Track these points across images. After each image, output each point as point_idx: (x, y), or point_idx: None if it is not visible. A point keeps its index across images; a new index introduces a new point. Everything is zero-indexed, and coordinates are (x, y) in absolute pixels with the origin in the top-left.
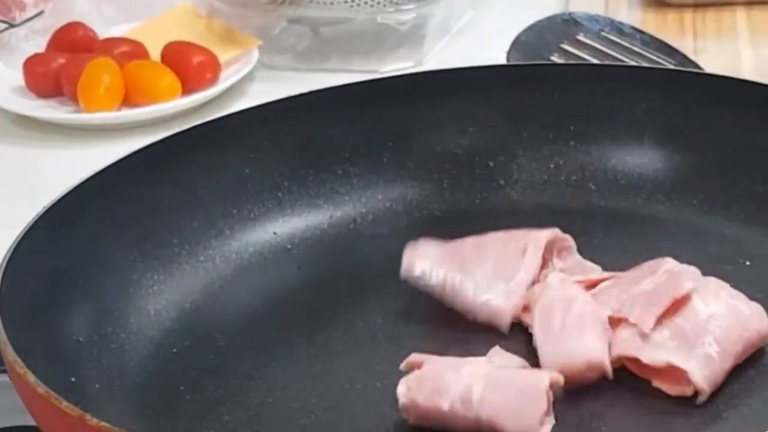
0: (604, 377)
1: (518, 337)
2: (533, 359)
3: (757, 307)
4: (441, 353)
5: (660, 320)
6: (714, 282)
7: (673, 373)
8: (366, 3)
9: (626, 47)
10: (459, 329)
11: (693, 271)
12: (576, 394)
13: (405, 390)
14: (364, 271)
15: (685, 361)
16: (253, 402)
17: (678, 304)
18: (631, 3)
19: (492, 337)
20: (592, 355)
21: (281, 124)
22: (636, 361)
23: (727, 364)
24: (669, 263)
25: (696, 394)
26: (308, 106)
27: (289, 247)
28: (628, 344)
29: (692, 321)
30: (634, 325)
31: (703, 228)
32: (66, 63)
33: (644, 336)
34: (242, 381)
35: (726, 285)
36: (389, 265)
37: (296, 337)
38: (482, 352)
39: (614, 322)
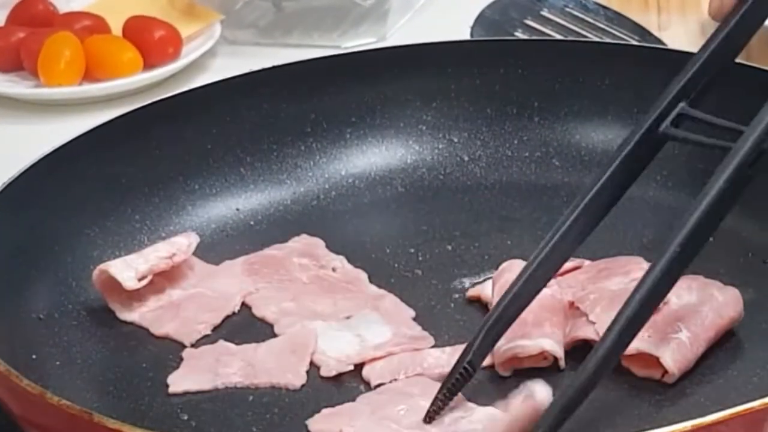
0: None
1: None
2: None
3: (732, 292)
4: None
5: None
6: (690, 277)
7: (644, 356)
8: None
9: (590, 23)
10: (421, 305)
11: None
12: (539, 368)
13: None
14: (327, 248)
15: (655, 347)
16: None
17: None
18: None
19: (450, 314)
20: (547, 344)
21: (243, 100)
22: None
23: (700, 349)
24: (643, 269)
25: (664, 373)
26: (271, 81)
27: (252, 223)
28: (590, 329)
29: (663, 313)
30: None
31: (666, 204)
32: (26, 37)
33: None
34: None
35: (703, 279)
36: (352, 242)
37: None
38: (441, 332)
39: (573, 308)
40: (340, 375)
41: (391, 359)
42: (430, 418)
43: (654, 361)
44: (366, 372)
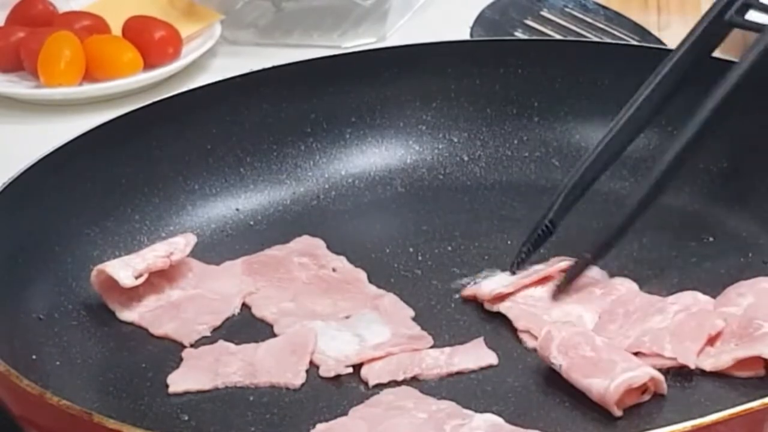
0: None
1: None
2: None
3: None
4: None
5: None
6: (731, 288)
7: (741, 362)
8: None
9: (590, 23)
10: (420, 305)
11: (711, 303)
12: None
13: None
14: (327, 248)
15: (750, 349)
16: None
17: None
18: None
19: (450, 314)
20: (651, 371)
21: (243, 100)
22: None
23: None
24: (680, 301)
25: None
26: (270, 81)
27: (251, 223)
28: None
29: (735, 324)
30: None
31: (666, 204)
32: (26, 37)
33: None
34: None
35: (743, 283)
36: (352, 242)
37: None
38: (441, 332)
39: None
40: (339, 375)
41: (389, 359)
42: (513, 271)
43: (753, 360)
44: (364, 372)
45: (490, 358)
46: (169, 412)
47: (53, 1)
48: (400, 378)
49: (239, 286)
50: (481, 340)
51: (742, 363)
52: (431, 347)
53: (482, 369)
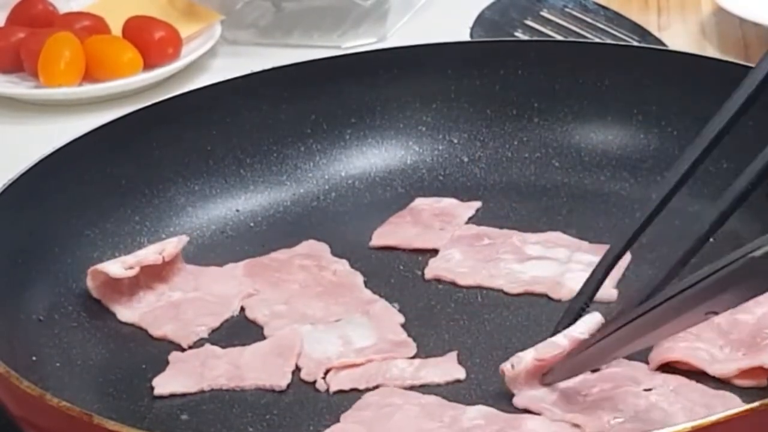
0: None
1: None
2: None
3: None
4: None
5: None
6: None
7: (746, 372)
8: None
9: (590, 23)
10: (420, 305)
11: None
12: None
13: None
14: (327, 249)
15: (755, 359)
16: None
17: None
18: None
19: (449, 316)
20: None
21: (243, 101)
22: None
23: None
24: None
25: None
26: (270, 82)
27: (251, 224)
28: (694, 354)
29: (745, 331)
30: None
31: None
32: (26, 38)
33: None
34: None
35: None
36: (352, 243)
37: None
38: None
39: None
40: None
41: (355, 369)
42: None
43: (757, 371)
44: (329, 378)
45: (458, 373)
46: (169, 412)
47: (53, 2)
48: (362, 387)
49: (238, 288)
50: (454, 354)
51: (745, 372)
52: (413, 356)
53: (448, 383)
